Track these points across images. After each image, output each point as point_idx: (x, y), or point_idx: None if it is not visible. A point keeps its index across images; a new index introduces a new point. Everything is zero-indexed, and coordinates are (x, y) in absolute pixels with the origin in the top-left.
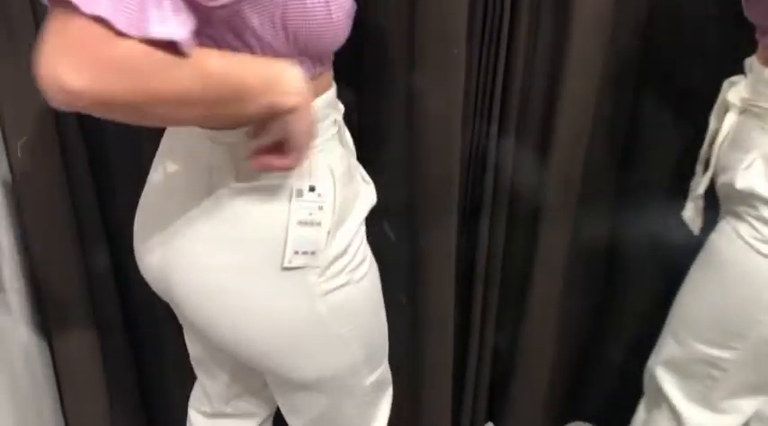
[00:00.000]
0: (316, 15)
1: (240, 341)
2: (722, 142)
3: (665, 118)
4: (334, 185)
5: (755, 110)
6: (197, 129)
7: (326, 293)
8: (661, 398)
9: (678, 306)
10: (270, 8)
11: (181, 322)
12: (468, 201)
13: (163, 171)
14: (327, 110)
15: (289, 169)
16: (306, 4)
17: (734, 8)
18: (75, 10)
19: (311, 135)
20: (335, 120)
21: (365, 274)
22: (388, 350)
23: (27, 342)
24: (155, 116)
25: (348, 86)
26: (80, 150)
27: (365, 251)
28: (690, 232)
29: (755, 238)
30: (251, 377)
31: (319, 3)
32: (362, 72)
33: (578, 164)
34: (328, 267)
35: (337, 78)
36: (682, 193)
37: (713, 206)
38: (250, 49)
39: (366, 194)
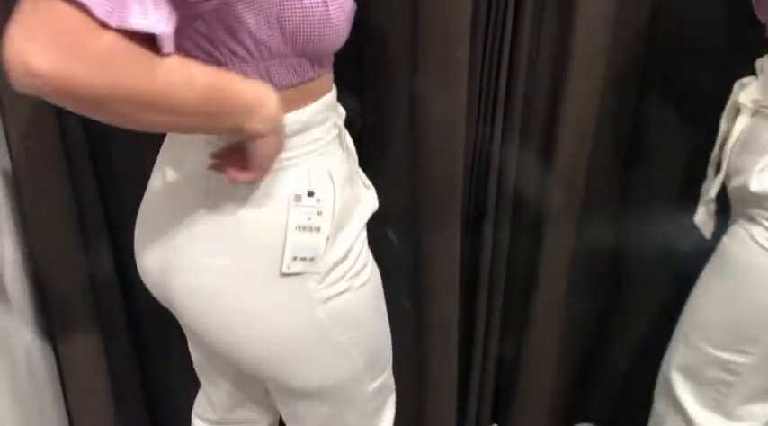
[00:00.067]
0: (314, 15)
1: (238, 348)
2: (734, 144)
3: (670, 120)
4: (333, 190)
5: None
6: (197, 135)
7: (326, 300)
8: (675, 404)
9: (690, 310)
10: (265, 7)
11: (183, 327)
12: (471, 205)
13: (162, 176)
14: (327, 113)
15: (250, 182)
16: (303, 3)
17: (743, 8)
18: None
19: (274, 159)
20: (335, 123)
21: (366, 281)
22: (392, 356)
23: (31, 344)
24: (116, 114)
25: (350, 89)
26: (83, 153)
27: (366, 257)
28: (695, 235)
29: None
30: (253, 385)
31: (317, 2)
32: (364, 75)
33: (582, 167)
34: (328, 273)
35: (339, 81)
36: (686, 196)
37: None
38: (246, 49)
39: (367, 199)
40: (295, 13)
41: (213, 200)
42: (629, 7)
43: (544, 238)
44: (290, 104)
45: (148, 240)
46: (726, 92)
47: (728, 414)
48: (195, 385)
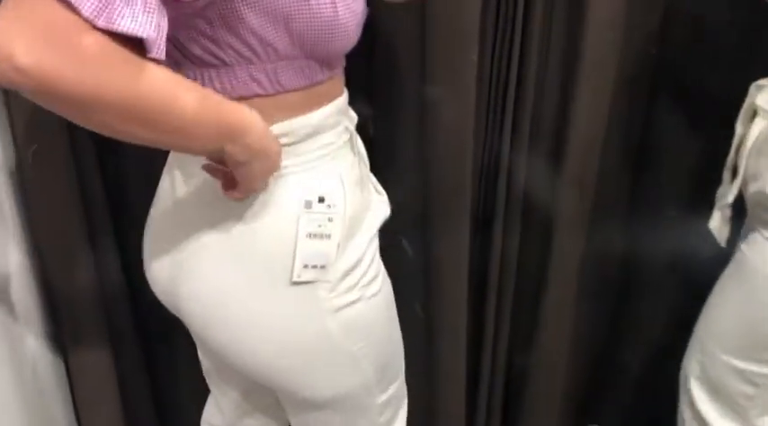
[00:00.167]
0: (322, 16)
1: (247, 358)
2: (750, 148)
3: (681, 123)
4: (344, 195)
5: None
6: None
7: (338, 309)
8: (696, 414)
9: (705, 318)
10: (269, 6)
11: (192, 335)
12: (480, 210)
13: (171, 181)
14: (338, 117)
15: (237, 200)
16: (310, 3)
17: (757, 9)
18: None
19: (260, 181)
20: (347, 128)
21: (378, 291)
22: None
23: (40, 354)
24: (96, 121)
25: (359, 95)
26: (90, 155)
27: (378, 266)
28: (706, 240)
29: None
30: (261, 394)
31: (325, 3)
32: (374, 80)
33: (592, 170)
34: (339, 282)
35: (348, 86)
36: (697, 200)
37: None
38: (252, 50)
39: (378, 206)
40: (302, 13)
41: (222, 207)
42: (640, 9)
43: (553, 242)
44: (300, 108)
45: (157, 248)
46: (739, 94)
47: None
48: (204, 394)
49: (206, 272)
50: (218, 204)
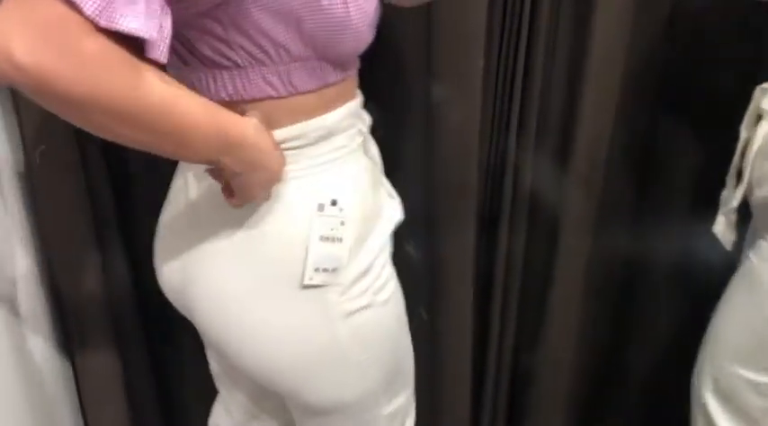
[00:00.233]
0: (333, 16)
1: (257, 361)
2: (756, 152)
3: (687, 124)
4: (357, 199)
5: None
6: None
7: (348, 315)
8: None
9: (716, 330)
10: (280, 7)
11: (201, 336)
12: (486, 211)
13: (184, 185)
14: (352, 119)
15: (234, 206)
16: (322, 4)
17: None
18: None
19: (258, 191)
20: (360, 130)
21: (389, 298)
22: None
23: (47, 355)
24: (94, 123)
25: (365, 98)
26: (99, 156)
27: (390, 272)
28: (711, 241)
29: None
30: (269, 398)
31: (337, 3)
32: (380, 82)
33: (598, 171)
34: (350, 286)
35: None
36: (703, 202)
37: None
38: (265, 52)
39: (390, 210)
40: (313, 14)
41: (234, 210)
42: (647, 10)
43: (560, 241)
44: (312, 110)
45: (169, 250)
46: (745, 96)
47: None
48: (211, 395)
49: (217, 274)
50: (229, 207)
